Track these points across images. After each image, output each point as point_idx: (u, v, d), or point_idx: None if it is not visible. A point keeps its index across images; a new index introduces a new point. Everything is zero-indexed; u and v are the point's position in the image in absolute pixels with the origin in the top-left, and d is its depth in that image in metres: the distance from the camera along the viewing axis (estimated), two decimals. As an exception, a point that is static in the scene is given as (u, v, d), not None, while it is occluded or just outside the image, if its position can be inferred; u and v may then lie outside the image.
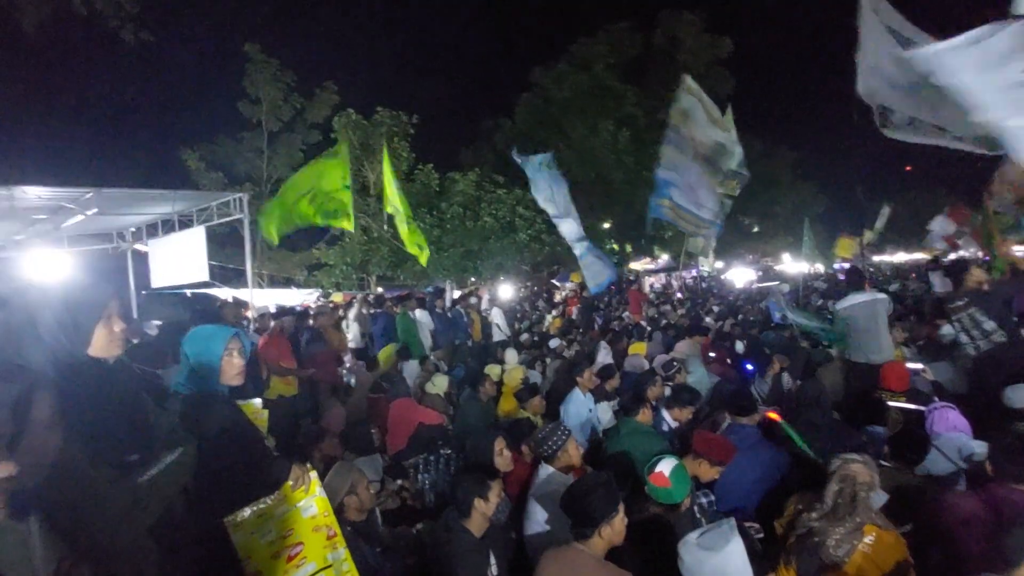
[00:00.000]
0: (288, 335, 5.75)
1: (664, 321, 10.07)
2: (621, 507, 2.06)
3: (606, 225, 21.59)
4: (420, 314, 7.75)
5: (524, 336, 9.31)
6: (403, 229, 6.54)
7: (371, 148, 14.72)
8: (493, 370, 5.29)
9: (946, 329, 4.65)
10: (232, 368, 2.15)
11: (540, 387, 5.38)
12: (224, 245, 14.29)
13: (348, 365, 6.42)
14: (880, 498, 2.42)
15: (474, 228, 14.01)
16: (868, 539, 2.10)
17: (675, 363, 4.88)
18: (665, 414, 3.73)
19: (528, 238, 14.71)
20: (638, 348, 6.31)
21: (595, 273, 6.97)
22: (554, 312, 12.35)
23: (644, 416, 3.55)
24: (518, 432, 3.21)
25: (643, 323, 9.32)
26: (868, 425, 3.54)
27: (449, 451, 3.86)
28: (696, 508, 2.69)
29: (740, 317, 9.35)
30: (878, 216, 15.21)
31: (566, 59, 20.62)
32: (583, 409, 4.36)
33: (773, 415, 3.37)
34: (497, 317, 9.38)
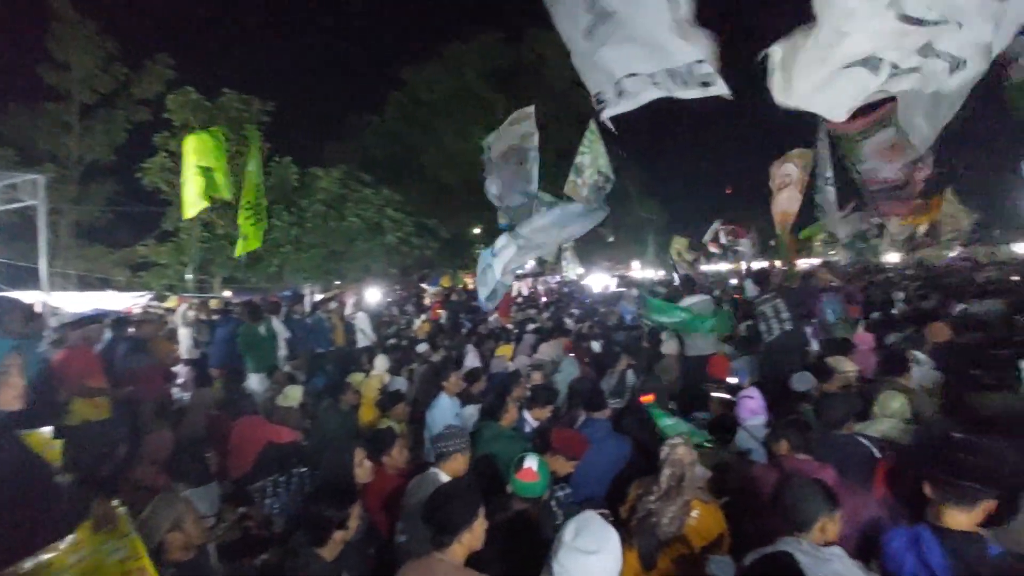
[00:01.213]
0: (103, 347, 4.84)
1: (531, 324, 10.51)
2: (481, 511, 2.07)
3: (476, 230, 21.94)
4: (273, 322, 7.08)
5: (391, 341, 9.02)
6: (243, 217, 5.92)
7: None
8: (356, 378, 5.03)
9: (741, 326, 5.56)
10: (9, 390, 1.75)
11: (407, 393, 5.25)
12: (15, 238, 11.60)
13: (181, 380, 5.61)
14: (703, 473, 2.78)
15: (338, 228, 13.25)
16: (695, 513, 2.39)
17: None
18: (527, 414, 3.87)
19: (397, 240, 14.32)
20: (504, 351, 6.49)
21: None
22: (423, 316, 12.18)
23: (508, 418, 3.65)
24: (380, 442, 3.08)
25: (510, 326, 9.62)
26: (697, 412, 4.08)
27: (304, 469, 3.56)
28: (553, 502, 2.83)
29: (597, 319, 10.13)
30: (708, 231, 17.64)
31: (438, 61, 20.58)
32: (449, 414, 4.34)
33: (647, 398, 3.71)
34: (362, 322, 8.95)
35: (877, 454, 2.75)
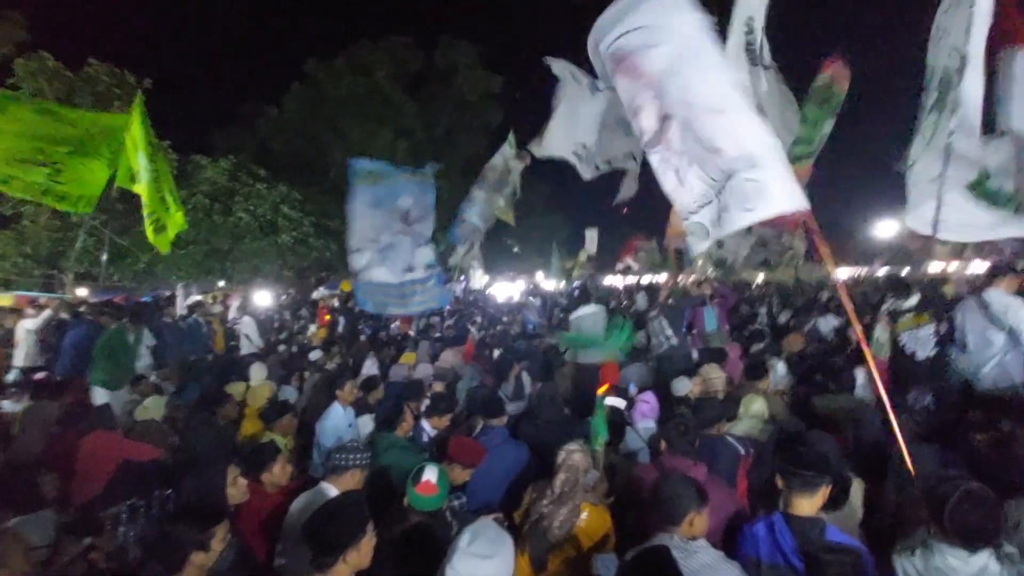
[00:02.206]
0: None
1: (434, 332, 10.36)
2: (370, 528, 1.98)
3: (382, 235, 21.24)
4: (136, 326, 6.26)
5: (281, 348, 8.39)
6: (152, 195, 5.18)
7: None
8: (236, 388, 4.60)
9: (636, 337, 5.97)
10: None
11: (296, 404, 4.90)
12: None
13: (13, 391, 4.75)
14: (592, 476, 2.92)
15: (224, 224, 12.10)
16: (583, 516, 2.49)
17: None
18: (425, 423, 3.79)
19: (292, 240, 13.40)
20: (407, 358, 6.33)
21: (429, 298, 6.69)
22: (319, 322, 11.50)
23: (404, 428, 3.55)
24: (260, 457, 2.83)
25: (411, 333, 9.41)
26: (589, 416, 4.26)
27: (168, 491, 3.16)
28: (449, 511, 2.79)
29: (499, 328, 10.26)
30: (586, 241, 18.76)
31: (345, 58, 19.74)
32: (342, 424, 4.12)
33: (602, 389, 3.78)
34: (248, 327, 8.24)
35: (742, 452, 3.07)
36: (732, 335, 6.70)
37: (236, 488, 2.50)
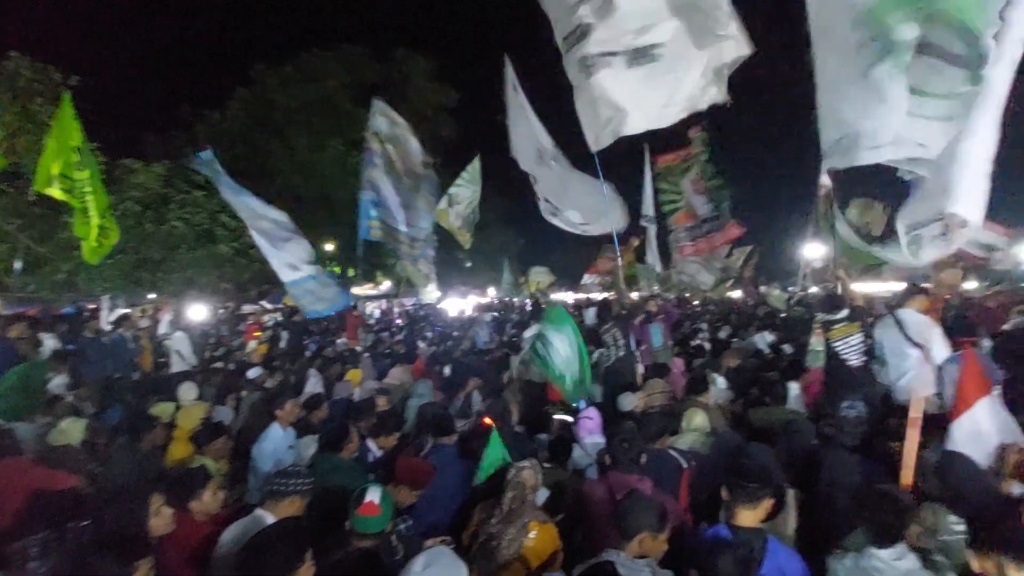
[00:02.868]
0: None
1: (383, 348, 10.12)
2: (309, 556, 1.88)
3: (330, 247, 20.67)
4: (48, 340, 5.74)
5: (218, 365, 7.92)
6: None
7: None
8: (164, 409, 4.29)
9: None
10: None
11: (231, 425, 4.63)
12: None
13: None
14: (542, 495, 2.91)
15: (156, 233, 11.37)
16: (532, 534, 2.48)
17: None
18: (371, 444, 3.68)
19: (232, 251, 12.75)
20: (353, 375, 6.13)
21: (318, 298, 6.50)
22: (260, 336, 10.97)
23: (349, 448, 3.42)
24: (188, 484, 2.64)
25: (358, 348, 9.14)
26: (538, 433, 4.28)
27: (85, 523, 2.89)
28: (394, 535, 2.70)
29: (450, 343, 10.15)
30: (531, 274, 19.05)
31: (295, 65, 19.23)
32: (281, 446, 3.93)
33: (487, 420, 3.72)
34: (180, 343, 7.73)
35: (684, 465, 3.16)
36: (675, 350, 6.95)
37: (160, 518, 2.32)
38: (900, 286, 5.58)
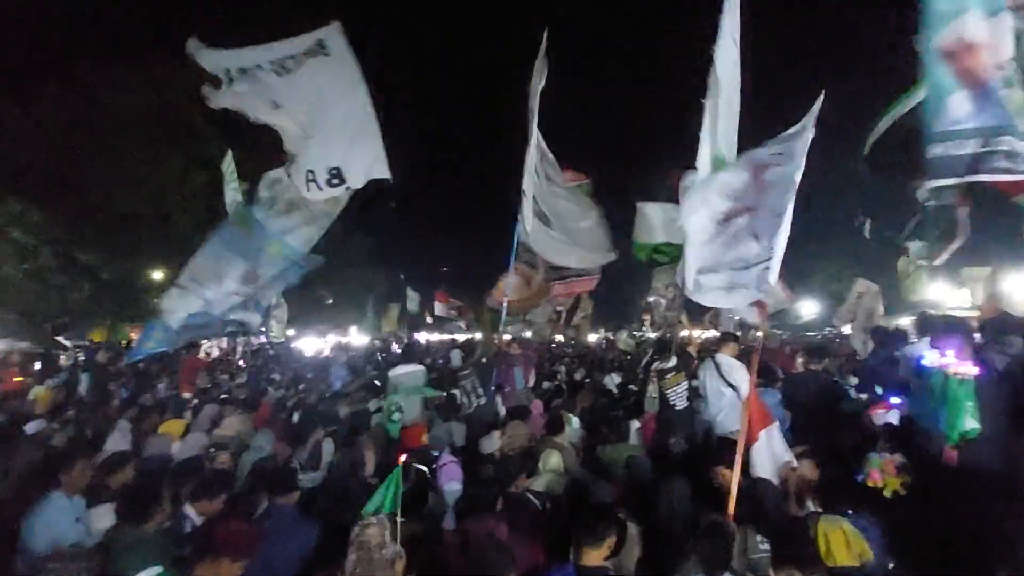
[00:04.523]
0: None
1: (219, 393, 8.86)
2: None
3: (157, 275, 17.90)
4: None
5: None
6: None
7: None
8: None
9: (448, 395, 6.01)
10: None
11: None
12: None
13: None
14: (391, 551, 2.70)
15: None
16: (380, 597, 2.27)
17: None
18: (189, 510, 3.11)
19: (23, 276, 10.36)
20: (171, 427, 5.21)
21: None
22: (50, 381, 8.93)
23: (158, 519, 2.85)
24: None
25: (187, 395, 7.87)
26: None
27: None
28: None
29: (303, 387, 9.28)
30: (407, 298, 18.80)
31: (130, 65, 16.83)
32: (63, 520, 3.14)
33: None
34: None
35: (539, 506, 3.20)
36: (535, 392, 7.19)
37: None
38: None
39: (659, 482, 3.35)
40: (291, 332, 19.41)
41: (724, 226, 3.46)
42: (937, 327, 3.91)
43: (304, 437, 4.86)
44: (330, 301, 26.84)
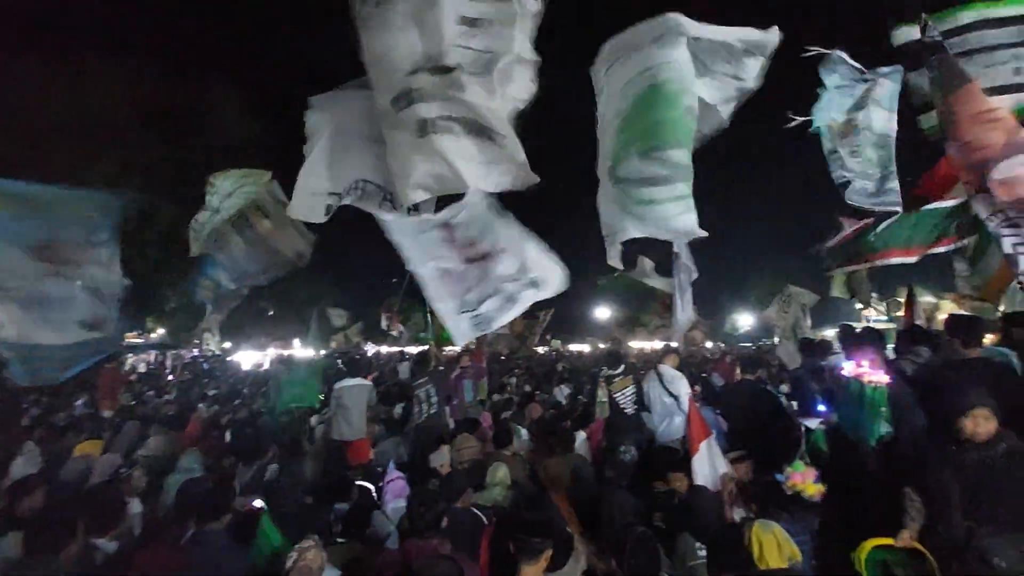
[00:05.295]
0: None
1: (145, 410, 8.24)
2: None
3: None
4: None
5: None
6: None
7: None
8: None
9: (396, 408, 5.86)
10: None
11: None
12: None
13: None
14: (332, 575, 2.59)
15: None
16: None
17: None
18: (99, 540, 2.85)
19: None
20: (86, 447, 4.80)
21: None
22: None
23: (68, 553, 2.60)
24: None
25: (107, 414, 7.27)
26: (337, 503, 3.87)
27: None
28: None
29: (238, 402, 8.79)
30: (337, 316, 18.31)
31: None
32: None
33: (253, 506, 3.17)
34: None
35: (485, 521, 3.16)
36: (484, 404, 7.15)
37: None
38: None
39: (603, 493, 3.41)
40: (227, 345, 18.42)
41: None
42: (854, 339, 4.24)
43: (242, 457, 4.60)
44: (272, 312, 25.71)
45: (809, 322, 8.68)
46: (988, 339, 4.00)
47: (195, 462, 4.63)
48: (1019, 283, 4.37)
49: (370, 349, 19.98)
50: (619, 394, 4.81)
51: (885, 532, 2.62)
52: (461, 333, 3.85)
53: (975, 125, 3.77)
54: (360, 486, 3.60)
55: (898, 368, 3.57)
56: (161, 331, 19.58)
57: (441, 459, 4.28)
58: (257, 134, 19.52)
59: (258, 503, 3.08)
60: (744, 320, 20.07)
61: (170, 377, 14.09)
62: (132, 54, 17.42)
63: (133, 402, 9.31)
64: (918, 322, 6.67)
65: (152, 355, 18.51)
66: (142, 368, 16.56)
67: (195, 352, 18.16)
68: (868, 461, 3.44)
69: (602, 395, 5.39)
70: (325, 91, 3.78)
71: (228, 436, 5.72)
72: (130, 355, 17.35)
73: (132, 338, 19.39)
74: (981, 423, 2.48)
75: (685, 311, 5.39)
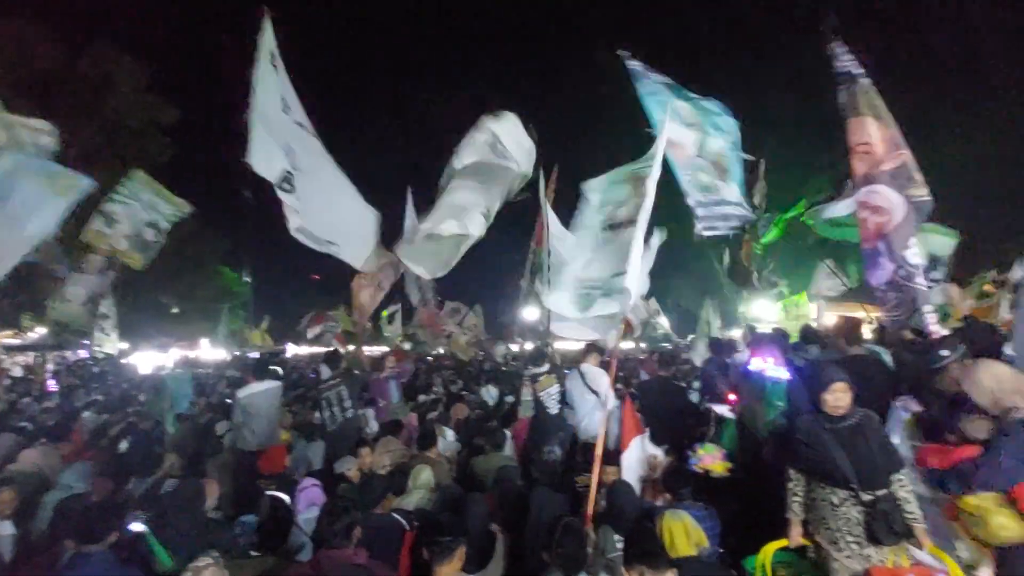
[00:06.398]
0: None
1: (19, 420, 7.21)
2: None
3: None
4: None
5: None
6: None
7: None
8: None
9: (316, 416, 5.55)
10: None
11: None
12: None
13: None
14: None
15: None
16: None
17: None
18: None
19: None
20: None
21: None
22: None
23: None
24: None
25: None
26: (244, 515, 3.60)
27: None
28: None
29: (132, 410, 7.93)
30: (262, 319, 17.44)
31: None
32: None
33: (136, 526, 2.87)
34: None
35: (407, 527, 3.07)
36: (409, 405, 6.99)
37: None
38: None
39: (529, 491, 3.44)
40: (124, 345, 16.64)
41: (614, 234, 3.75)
42: (758, 338, 4.62)
43: (134, 470, 4.16)
44: (176, 310, 23.62)
45: (719, 323, 9.35)
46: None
47: (78, 477, 4.13)
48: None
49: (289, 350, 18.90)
50: (543, 392, 4.88)
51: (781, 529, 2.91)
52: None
53: (853, 155, 4.81)
54: (272, 496, 3.36)
55: (791, 364, 3.94)
56: (41, 330, 17.28)
57: (347, 465, 4.06)
58: None
59: (137, 526, 2.78)
60: (663, 322, 21.23)
61: (51, 382, 12.48)
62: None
63: (3, 408, 8.15)
64: (811, 323, 7.44)
65: (32, 358, 16.30)
66: (17, 372, 14.54)
67: (83, 353, 16.23)
68: (763, 449, 3.78)
69: (526, 394, 5.45)
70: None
71: (124, 446, 5.14)
72: (3, 356, 15.24)
73: (6, 337, 17.00)
74: (840, 396, 2.90)
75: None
